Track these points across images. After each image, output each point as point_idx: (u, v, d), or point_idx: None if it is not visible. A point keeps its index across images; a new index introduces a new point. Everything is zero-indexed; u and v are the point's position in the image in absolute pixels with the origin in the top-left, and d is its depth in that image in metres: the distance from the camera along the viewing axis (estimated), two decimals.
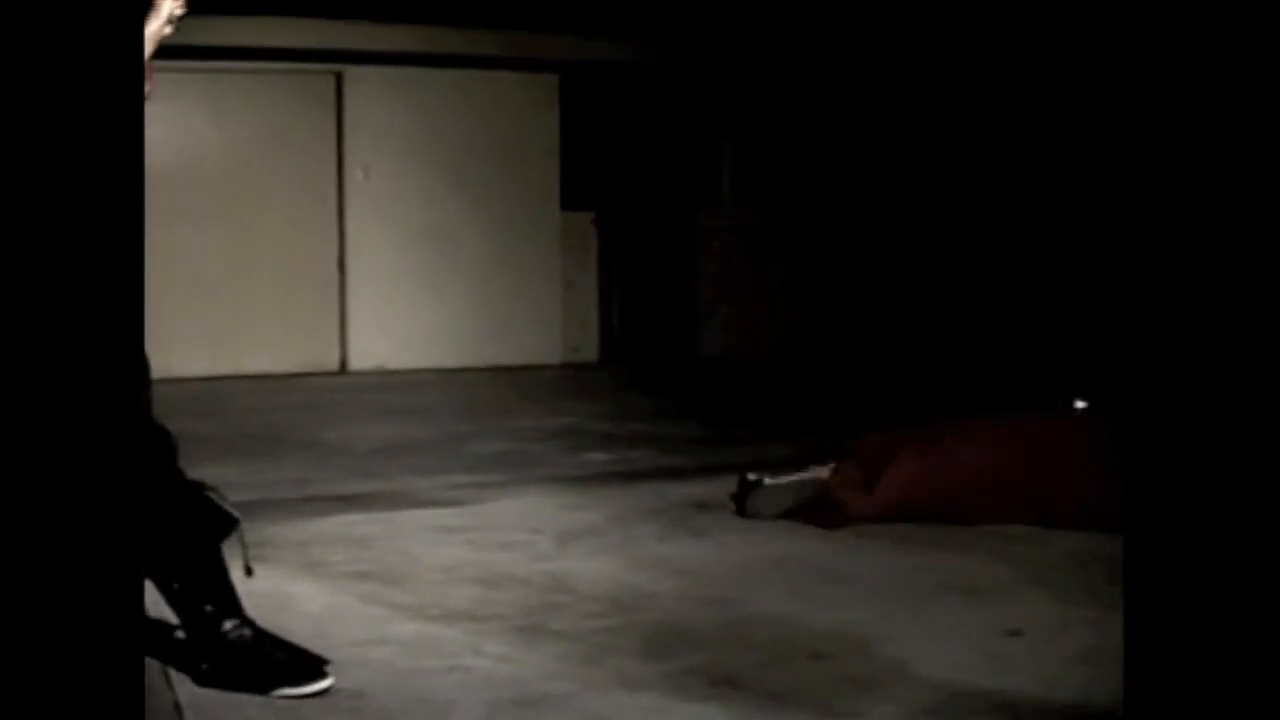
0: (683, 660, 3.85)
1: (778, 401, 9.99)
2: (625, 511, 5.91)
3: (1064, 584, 4.66)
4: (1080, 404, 6.18)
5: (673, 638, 4.07)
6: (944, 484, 5.65)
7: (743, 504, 5.83)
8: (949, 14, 10.65)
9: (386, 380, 11.10)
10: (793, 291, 12.76)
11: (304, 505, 6.11)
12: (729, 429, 8.41)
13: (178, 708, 3.51)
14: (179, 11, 3.98)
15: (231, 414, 9.20)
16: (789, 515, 5.73)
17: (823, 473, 5.85)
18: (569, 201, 12.42)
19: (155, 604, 3.70)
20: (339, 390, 10.66)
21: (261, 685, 3.57)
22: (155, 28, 3.98)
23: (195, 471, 6.74)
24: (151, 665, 3.71)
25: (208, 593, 3.66)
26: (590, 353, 12.45)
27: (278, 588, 4.67)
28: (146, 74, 3.85)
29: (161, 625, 3.87)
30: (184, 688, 3.62)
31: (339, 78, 11.68)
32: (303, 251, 11.57)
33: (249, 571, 3.74)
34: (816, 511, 5.70)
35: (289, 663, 3.63)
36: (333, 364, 11.62)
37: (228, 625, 3.64)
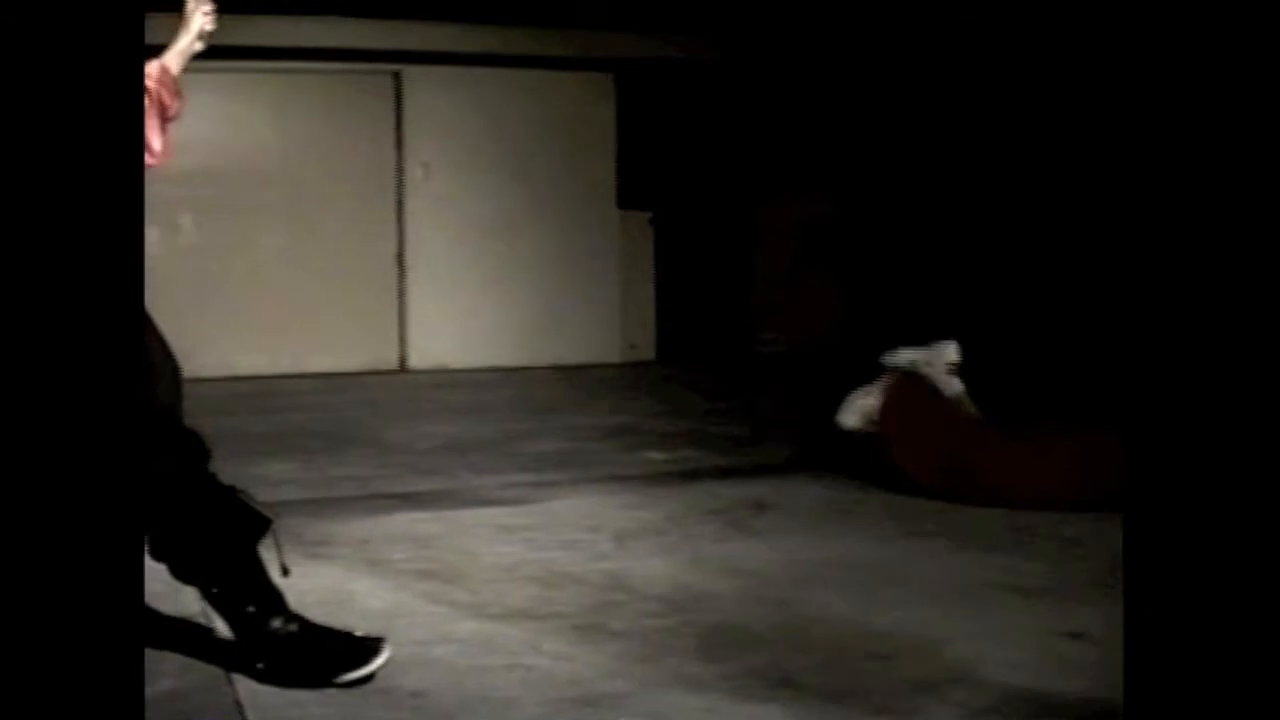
0: (741, 661, 3.85)
1: (836, 400, 9.95)
2: (683, 511, 5.92)
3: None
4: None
5: (731, 638, 4.07)
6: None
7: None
8: (1005, 11, 10.58)
9: (446, 379, 11.15)
10: (851, 289, 12.72)
11: (365, 503, 6.15)
12: (787, 428, 8.39)
13: (239, 706, 3.54)
14: (209, 27, 3.98)
15: (292, 412, 9.26)
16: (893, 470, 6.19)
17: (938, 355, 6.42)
18: (626, 200, 12.43)
19: (204, 609, 3.75)
20: (399, 388, 10.71)
21: (319, 676, 3.61)
22: (185, 43, 3.99)
23: (256, 469, 6.82)
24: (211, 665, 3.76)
25: (248, 594, 3.69)
26: (648, 351, 12.46)
27: (340, 585, 4.71)
28: (175, 92, 3.85)
29: (209, 630, 3.91)
30: (244, 685, 3.66)
31: (398, 77, 11.74)
32: (363, 250, 11.64)
33: (285, 571, 3.77)
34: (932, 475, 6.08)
35: (341, 649, 3.66)
36: (392, 362, 11.68)
37: (275, 623, 3.67)
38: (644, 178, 12.47)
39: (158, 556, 3.67)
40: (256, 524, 3.73)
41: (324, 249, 11.50)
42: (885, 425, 6.25)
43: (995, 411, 6.50)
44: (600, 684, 3.67)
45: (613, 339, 12.32)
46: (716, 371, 11.65)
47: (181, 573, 3.73)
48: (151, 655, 3.62)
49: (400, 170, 11.77)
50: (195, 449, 3.70)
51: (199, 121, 11.23)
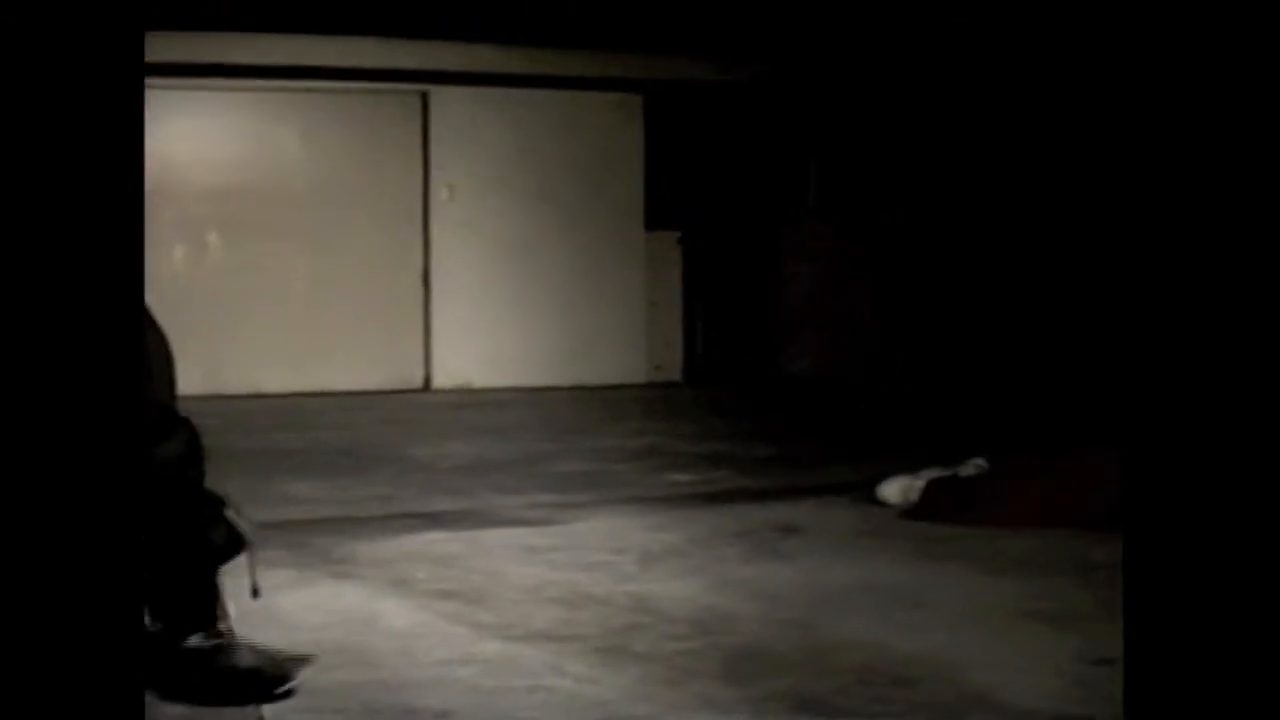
0: (766, 684, 3.83)
1: (862, 422, 9.94)
2: (708, 533, 5.90)
3: None
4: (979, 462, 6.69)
5: (756, 661, 4.05)
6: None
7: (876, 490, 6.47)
8: (1039, 34, 10.57)
9: (470, 398, 11.15)
10: (877, 310, 12.70)
11: (388, 522, 6.15)
12: (813, 450, 8.37)
13: None
14: None
15: (316, 430, 9.28)
16: (916, 510, 6.26)
17: (966, 470, 6.49)
18: (653, 221, 12.44)
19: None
20: (423, 408, 10.72)
21: (222, 697, 3.56)
22: None
23: (280, 487, 6.83)
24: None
25: (187, 608, 3.63)
26: (674, 372, 12.46)
27: (363, 605, 4.70)
28: None
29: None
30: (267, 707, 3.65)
31: (425, 97, 11.77)
32: (389, 270, 11.66)
33: (255, 593, 3.73)
34: (950, 506, 6.14)
35: (250, 672, 3.61)
36: (417, 381, 11.69)
37: (194, 639, 3.62)
38: (671, 198, 12.48)
39: None
40: (231, 543, 3.69)
41: (350, 268, 11.53)
42: (923, 510, 6.32)
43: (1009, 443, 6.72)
44: (624, 707, 3.65)
45: (639, 360, 12.32)
46: (743, 393, 11.63)
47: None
48: None
49: (427, 190, 11.80)
50: (194, 440, 3.67)
51: (226, 140, 11.31)
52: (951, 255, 12.35)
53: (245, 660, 3.64)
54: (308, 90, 11.43)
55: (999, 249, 11.96)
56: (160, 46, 10.62)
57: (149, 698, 3.58)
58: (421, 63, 11.56)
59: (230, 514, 3.71)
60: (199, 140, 11.01)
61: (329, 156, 11.54)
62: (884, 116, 12.37)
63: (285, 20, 10.67)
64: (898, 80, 12.01)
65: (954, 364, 11.58)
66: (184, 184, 10.96)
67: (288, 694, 3.59)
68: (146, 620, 3.58)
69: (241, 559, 3.75)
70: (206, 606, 3.66)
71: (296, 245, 11.37)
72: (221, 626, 3.67)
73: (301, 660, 3.66)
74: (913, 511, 6.29)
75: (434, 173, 11.80)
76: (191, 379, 11.29)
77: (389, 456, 8.10)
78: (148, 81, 9.55)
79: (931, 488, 6.40)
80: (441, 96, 11.82)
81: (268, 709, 3.62)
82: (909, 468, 6.62)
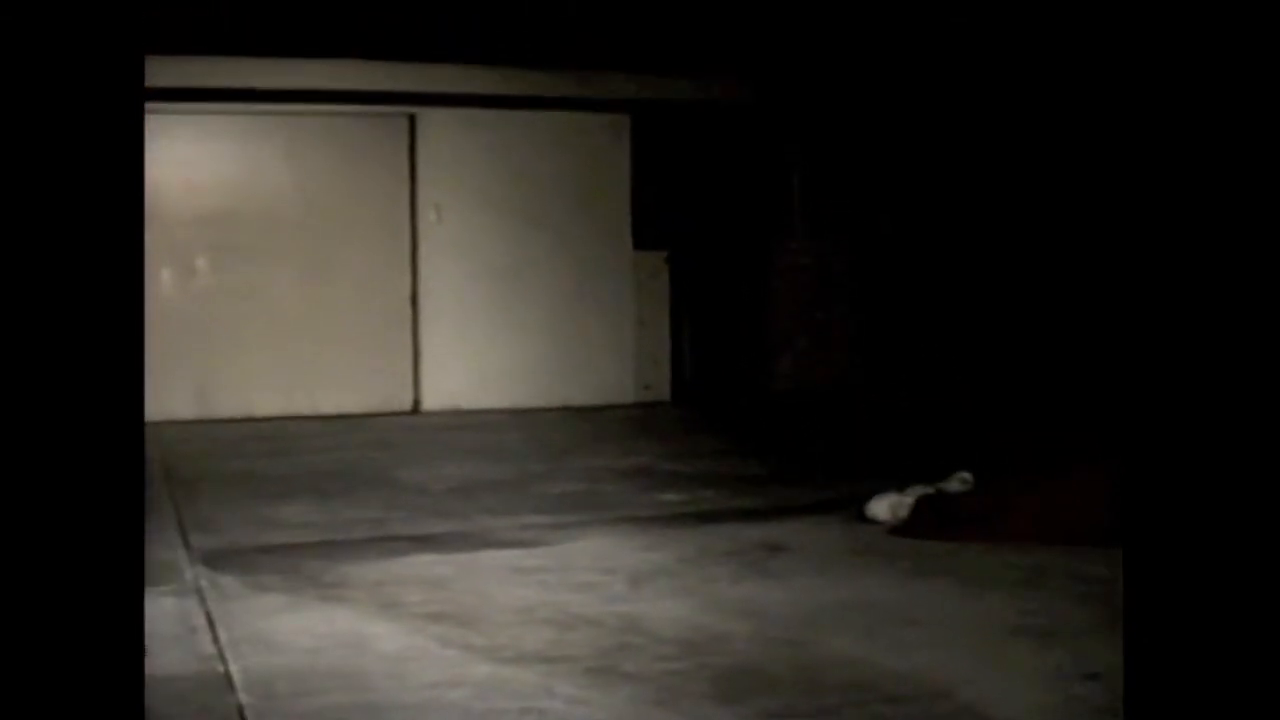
0: (756, 703, 3.84)
1: (851, 440, 9.96)
2: (698, 553, 5.92)
3: None
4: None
5: (746, 680, 4.07)
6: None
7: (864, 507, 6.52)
8: (1021, 51, 10.61)
9: (460, 420, 11.16)
10: (864, 324, 12.72)
11: (379, 545, 6.15)
12: (802, 468, 8.39)
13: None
14: None
15: (306, 453, 9.27)
16: (904, 527, 6.31)
17: (952, 486, 6.61)
18: (641, 240, 12.45)
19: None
20: (413, 429, 10.72)
21: None
22: None
23: (271, 510, 6.83)
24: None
25: None
26: (663, 391, 12.46)
27: (354, 628, 4.71)
28: None
29: None
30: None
31: (412, 119, 11.79)
32: (377, 292, 11.67)
33: None
34: (939, 524, 6.19)
35: None
36: (406, 403, 11.69)
37: None
38: (659, 218, 12.50)
39: None
40: None
41: (338, 291, 11.53)
42: (912, 528, 6.34)
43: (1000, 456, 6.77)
44: None
45: (627, 380, 12.32)
46: (731, 411, 11.65)
47: None
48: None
49: (414, 212, 11.81)
50: None
51: (214, 164, 11.32)
52: (938, 266, 12.37)
53: None
54: (295, 113, 11.43)
55: (986, 260, 11.99)
56: (147, 71, 10.62)
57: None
58: (408, 85, 11.57)
59: None
60: (186, 165, 11.00)
61: (316, 179, 11.54)
62: (869, 130, 12.41)
63: (271, 43, 10.68)
64: (881, 93, 12.05)
65: (941, 376, 11.60)
66: (171, 208, 10.95)
67: None
68: None
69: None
70: None
71: (285, 268, 11.36)
72: None
73: None
74: (902, 529, 6.31)
75: (421, 194, 11.80)
76: (181, 403, 11.26)
77: (379, 479, 8.10)
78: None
79: (920, 505, 6.42)
80: (429, 118, 11.83)
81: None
82: (897, 484, 6.65)
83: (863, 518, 6.50)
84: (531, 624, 4.75)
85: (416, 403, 11.72)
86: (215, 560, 5.83)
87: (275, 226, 11.36)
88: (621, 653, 4.37)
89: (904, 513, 6.41)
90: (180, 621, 4.86)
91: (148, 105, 11.08)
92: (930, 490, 6.59)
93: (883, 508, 6.49)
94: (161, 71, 10.67)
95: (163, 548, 6.09)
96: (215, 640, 4.55)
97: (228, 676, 4.10)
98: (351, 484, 7.91)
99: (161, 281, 11.02)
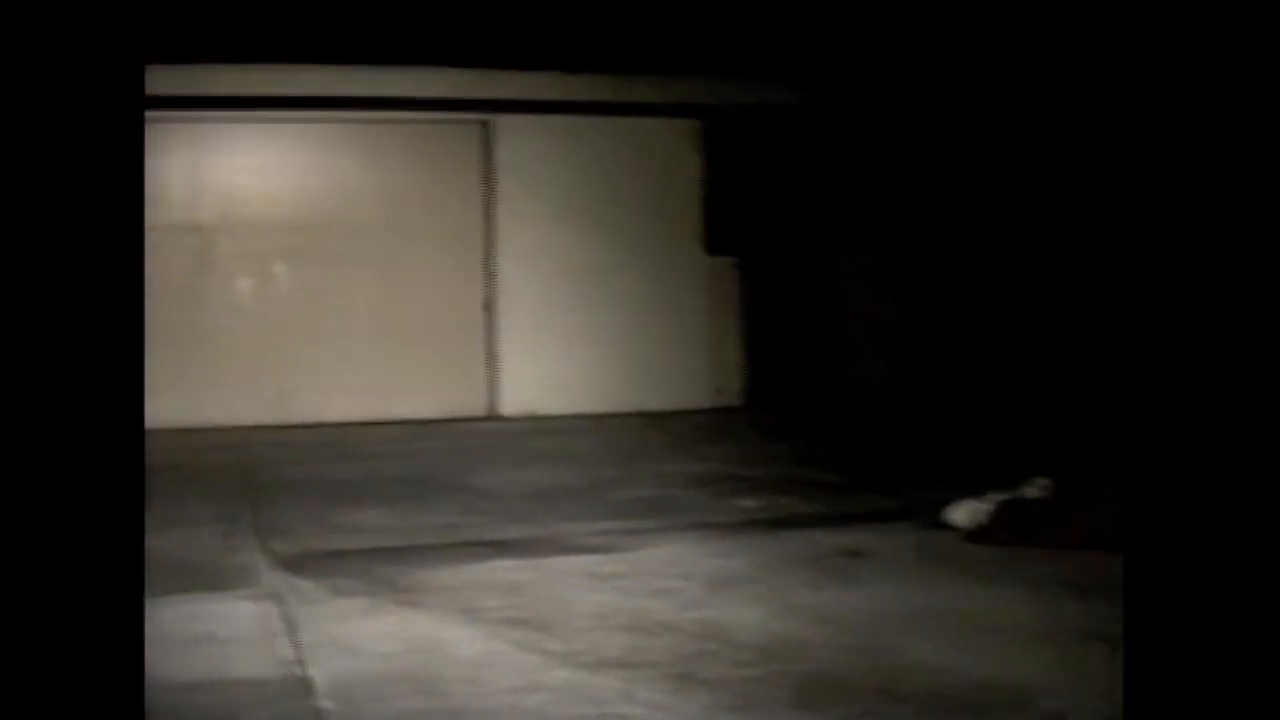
0: (835, 710, 3.82)
1: (926, 445, 9.89)
2: (774, 559, 5.90)
3: None
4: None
5: (824, 687, 4.05)
6: None
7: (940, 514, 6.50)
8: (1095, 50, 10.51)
9: (534, 425, 11.19)
10: (938, 332, 12.64)
11: (455, 550, 6.17)
12: (877, 474, 8.34)
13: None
14: None
15: (381, 459, 9.32)
16: (981, 533, 6.24)
17: (1030, 492, 6.56)
18: (714, 245, 12.44)
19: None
20: (487, 435, 10.76)
21: None
22: None
23: (347, 515, 6.87)
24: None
25: None
26: (735, 396, 12.44)
27: (431, 633, 4.73)
28: None
29: None
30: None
31: (486, 125, 11.84)
32: (451, 298, 11.72)
33: None
34: (1017, 530, 6.15)
35: None
36: (481, 409, 11.74)
37: None
38: (731, 223, 12.48)
39: None
40: None
41: (414, 296, 11.60)
42: (990, 534, 6.29)
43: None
44: None
45: (701, 384, 12.31)
46: (804, 416, 11.60)
47: None
48: None
49: (489, 218, 11.85)
50: None
51: (292, 172, 11.42)
52: (1012, 269, 12.27)
53: None
54: (370, 121, 11.52)
55: (1061, 263, 11.88)
56: (223, 81, 10.77)
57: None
58: (483, 92, 11.62)
59: None
60: (263, 173, 11.11)
61: (392, 186, 11.61)
62: (942, 131, 12.33)
63: (348, 52, 10.75)
64: (952, 95, 11.97)
65: (1017, 380, 11.50)
66: (249, 216, 11.07)
67: None
68: None
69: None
70: None
71: (362, 275, 11.44)
72: None
73: None
74: (979, 535, 6.26)
75: (496, 201, 11.84)
76: (258, 409, 11.35)
77: (454, 484, 8.13)
78: (213, 116, 9.68)
79: (998, 511, 6.37)
80: (503, 125, 11.87)
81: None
82: (974, 490, 6.60)
83: (940, 524, 6.46)
84: (609, 630, 4.75)
85: (491, 408, 11.76)
86: (293, 565, 5.87)
87: (352, 233, 11.44)
88: (700, 659, 4.35)
89: (982, 519, 6.37)
90: (259, 625, 4.90)
91: (225, 114, 11.22)
92: (1008, 496, 6.54)
93: (960, 514, 6.45)
94: (237, 81, 10.81)
95: (241, 552, 6.14)
96: (294, 644, 4.57)
97: (307, 680, 4.13)
98: (426, 489, 7.95)
99: (239, 289, 11.14)
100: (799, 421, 11.34)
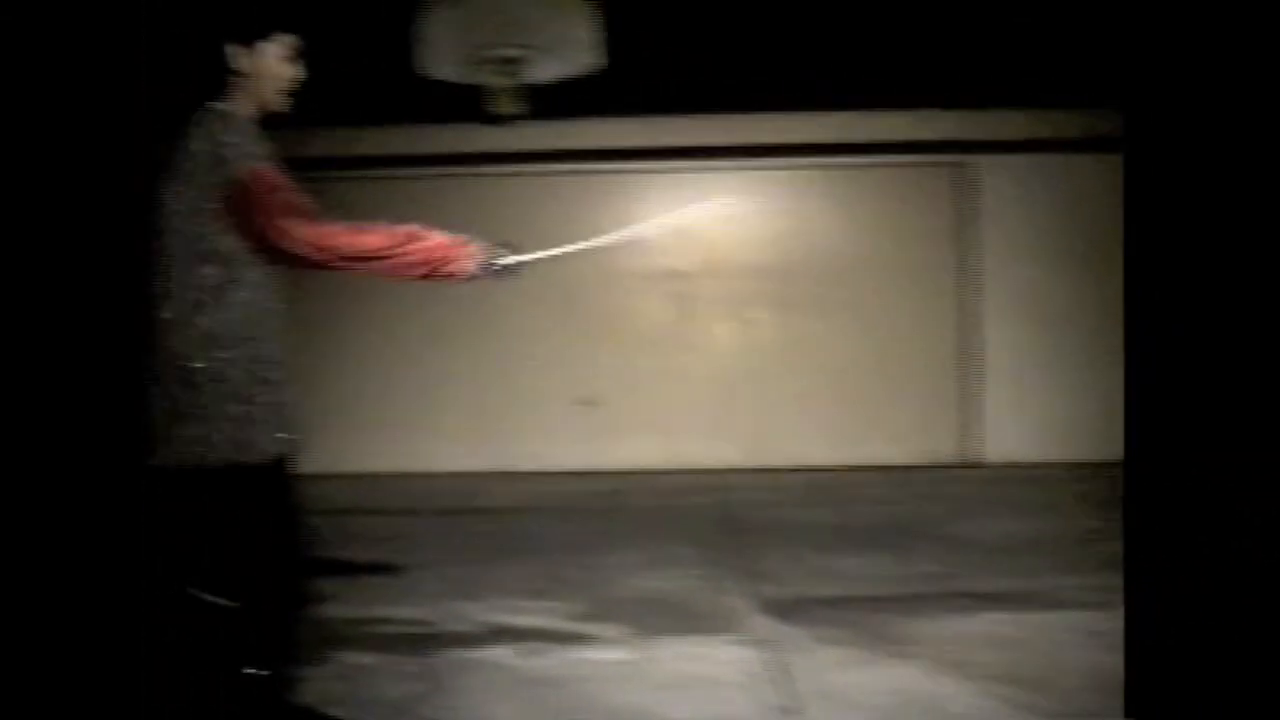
0: None
1: None
2: None
3: None
4: None
5: None
6: None
7: None
8: None
9: (1012, 473, 10.94)
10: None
11: (943, 601, 6.07)
12: None
13: None
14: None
15: (859, 503, 9.29)
16: None
17: None
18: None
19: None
20: (964, 482, 10.58)
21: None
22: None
23: (825, 561, 6.87)
24: None
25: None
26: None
27: (918, 685, 4.66)
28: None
29: None
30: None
31: (959, 167, 11.71)
32: (926, 343, 11.62)
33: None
34: None
35: None
36: (956, 455, 11.57)
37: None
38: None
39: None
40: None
41: (888, 341, 11.56)
42: None
43: None
44: None
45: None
46: None
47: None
48: None
49: (963, 260, 11.70)
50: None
51: (767, 218, 11.58)
52: None
53: None
54: (841, 166, 11.56)
55: None
56: (706, 131, 11.06)
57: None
58: (954, 134, 11.50)
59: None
60: (741, 219, 11.29)
61: (863, 230, 11.60)
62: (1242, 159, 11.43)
63: (822, 99, 10.85)
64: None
65: None
66: (728, 262, 11.27)
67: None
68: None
69: None
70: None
71: (835, 319, 11.45)
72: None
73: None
74: None
75: (971, 244, 11.66)
76: (734, 452, 11.55)
77: (935, 532, 8.01)
78: (691, 166, 9.87)
79: None
80: (975, 166, 11.69)
81: None
82: None
83: None
84: (1109, 691, 4.55)
85: (967, 455, 11.58)
86: (777, 610, 5.90)
87: (826, 278, 11.51)
88: None
89: None
90: (745, 670, 4.94)
91: (701, 163, 11.48)
92: None
93: None
94: (707, 130, 11.10)
95: (726, 595, 6.22)
96: (789, 692, 4.58)
97: None
98: (907, 536, 7.86)
99: (715, 334, 11.38)
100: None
